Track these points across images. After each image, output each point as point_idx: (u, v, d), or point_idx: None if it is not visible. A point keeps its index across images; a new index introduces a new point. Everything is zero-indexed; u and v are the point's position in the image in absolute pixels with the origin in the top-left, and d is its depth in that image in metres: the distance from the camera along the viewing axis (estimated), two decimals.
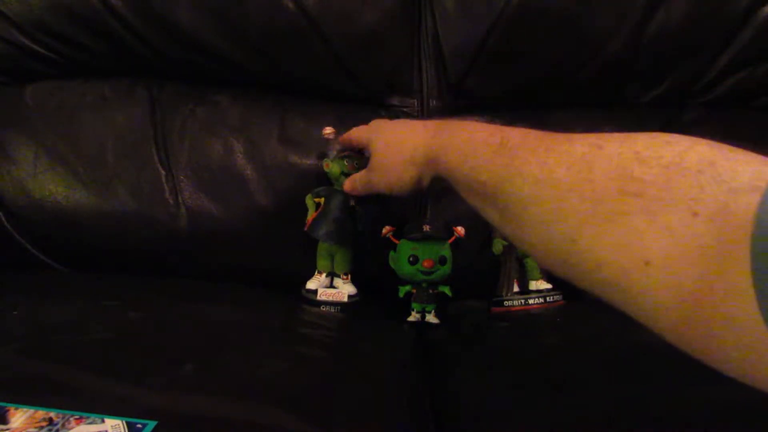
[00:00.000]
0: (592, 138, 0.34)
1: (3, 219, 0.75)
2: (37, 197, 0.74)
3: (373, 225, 0.72)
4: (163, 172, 0.75)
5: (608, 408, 0.45)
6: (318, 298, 0.70)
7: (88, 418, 0.38)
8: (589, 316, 0.66)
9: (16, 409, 0.39)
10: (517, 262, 0.72)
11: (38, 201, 0.74)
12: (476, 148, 0.42)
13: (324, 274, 0.72)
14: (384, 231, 0.72)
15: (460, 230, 0.71)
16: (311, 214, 0.70)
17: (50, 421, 0.38)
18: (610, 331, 0.59)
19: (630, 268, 0.29)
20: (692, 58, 0.77)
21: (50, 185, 0.74)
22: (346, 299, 0.71)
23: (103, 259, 0.75)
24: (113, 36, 0.74)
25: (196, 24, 0.73)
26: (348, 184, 0.65)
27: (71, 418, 0.38)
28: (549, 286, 0.71)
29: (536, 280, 0.72)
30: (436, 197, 0.77)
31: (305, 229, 0.70)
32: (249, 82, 0.79)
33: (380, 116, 0.79)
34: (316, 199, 0.70)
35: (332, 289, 0.72)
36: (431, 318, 0.71)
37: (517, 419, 0.47)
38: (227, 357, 0.50)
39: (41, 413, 0.38)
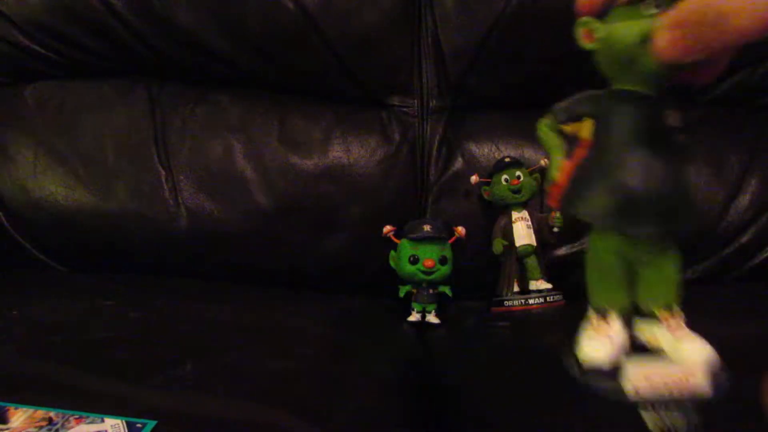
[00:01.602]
0: None
1: (3, 219, 0.75)
2: (36, 197, 0.74)
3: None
4: (162, 172, 0.75)
5: (609, 408, 0.45)
6: None
7: (87, 417, 0.38)
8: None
9: (16, 408, 0.39)
10: (517, 262, 0.72)
11: (38, 201, 0.74)
12: None
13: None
14: (384, 230, 0.72)
15: (461, 230, 0.71)
16: (557, 168, 0.30)
17: (50, 420, 0.38)
18: None
19: None
20: None
21: (50, 185, 0.74)
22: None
23: (103, 259, 0.75)
24: (113, 36, 0.74)
25: (196, 24, 0.73)
26: (660, 38, 0.25)
27: (71, 418, 0.38)
28: (549, 286, 0.71)
29: (536, 280, 0.71)
30: (435, 197, 0.77)
31: (548, 202, 0.35)
32: (249, 82, 0.79)
33: (380, 116, 0.79)
34: (568, 128, 0.32)
35: None
36: (432, 318, 0.71)
37: (517, 419, 0.47)
38: (227, 357, 0.50)
39: (41, 413, 0.38)
